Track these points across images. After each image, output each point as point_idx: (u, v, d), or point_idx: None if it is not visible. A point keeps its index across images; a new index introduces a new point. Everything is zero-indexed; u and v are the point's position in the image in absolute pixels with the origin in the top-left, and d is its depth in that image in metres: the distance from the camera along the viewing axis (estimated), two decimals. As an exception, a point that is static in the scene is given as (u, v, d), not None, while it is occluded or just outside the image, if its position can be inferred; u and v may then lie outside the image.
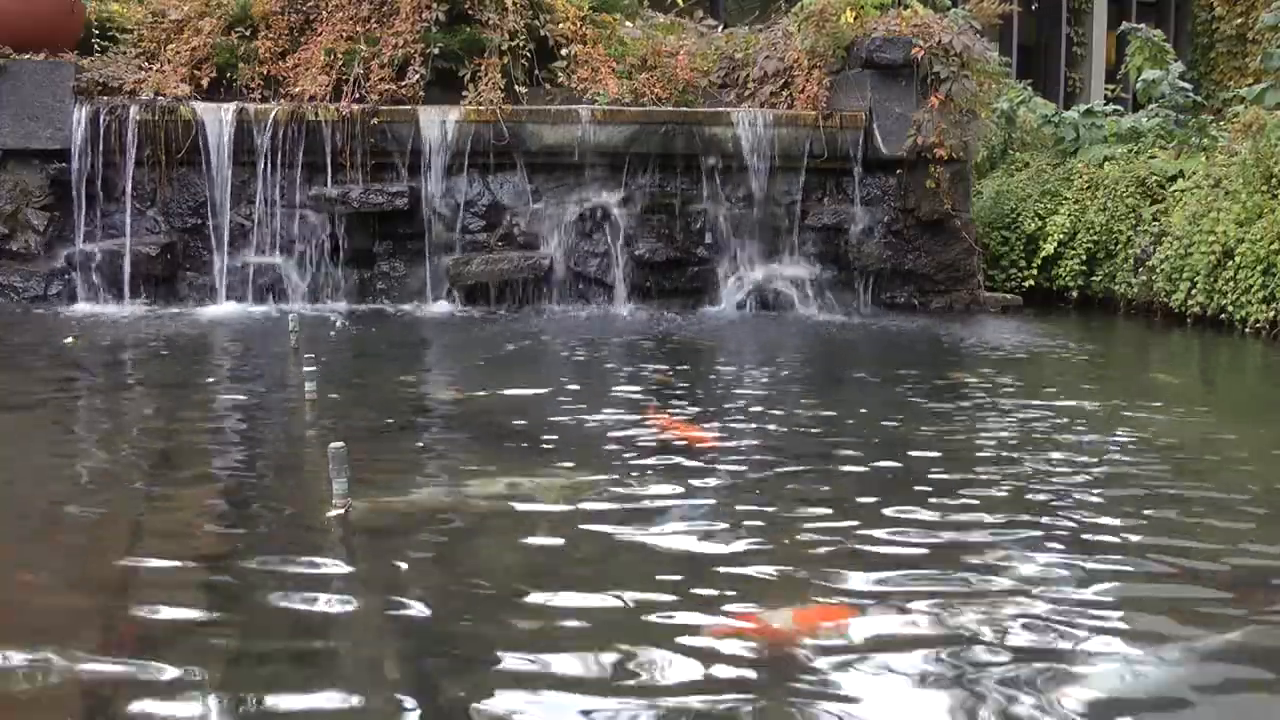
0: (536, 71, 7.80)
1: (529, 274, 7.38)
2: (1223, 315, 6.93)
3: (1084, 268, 8.26)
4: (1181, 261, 7.26)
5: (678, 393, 4.63)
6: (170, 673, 1.90)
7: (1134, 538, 2.74)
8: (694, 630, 2.11)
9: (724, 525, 2.78)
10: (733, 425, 3.97)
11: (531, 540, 2.67)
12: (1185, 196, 7.65)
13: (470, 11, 7.60)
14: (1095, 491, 3.14)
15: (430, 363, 5.87)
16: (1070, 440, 3.79)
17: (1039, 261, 8.42)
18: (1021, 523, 2.82)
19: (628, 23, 8.61)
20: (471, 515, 2.88)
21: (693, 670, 1.95)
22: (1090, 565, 2.51)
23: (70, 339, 5.76)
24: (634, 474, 3.24)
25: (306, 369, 4.06)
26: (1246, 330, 6.71)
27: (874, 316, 7.48)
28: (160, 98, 7.14)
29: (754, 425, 3.99)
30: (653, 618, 2.18)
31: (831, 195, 7.85)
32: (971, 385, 5.03)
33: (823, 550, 2.60)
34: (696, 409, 4.26)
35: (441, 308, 7.30)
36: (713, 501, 3.00)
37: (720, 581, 2.37)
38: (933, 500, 2.99)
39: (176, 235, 7.27)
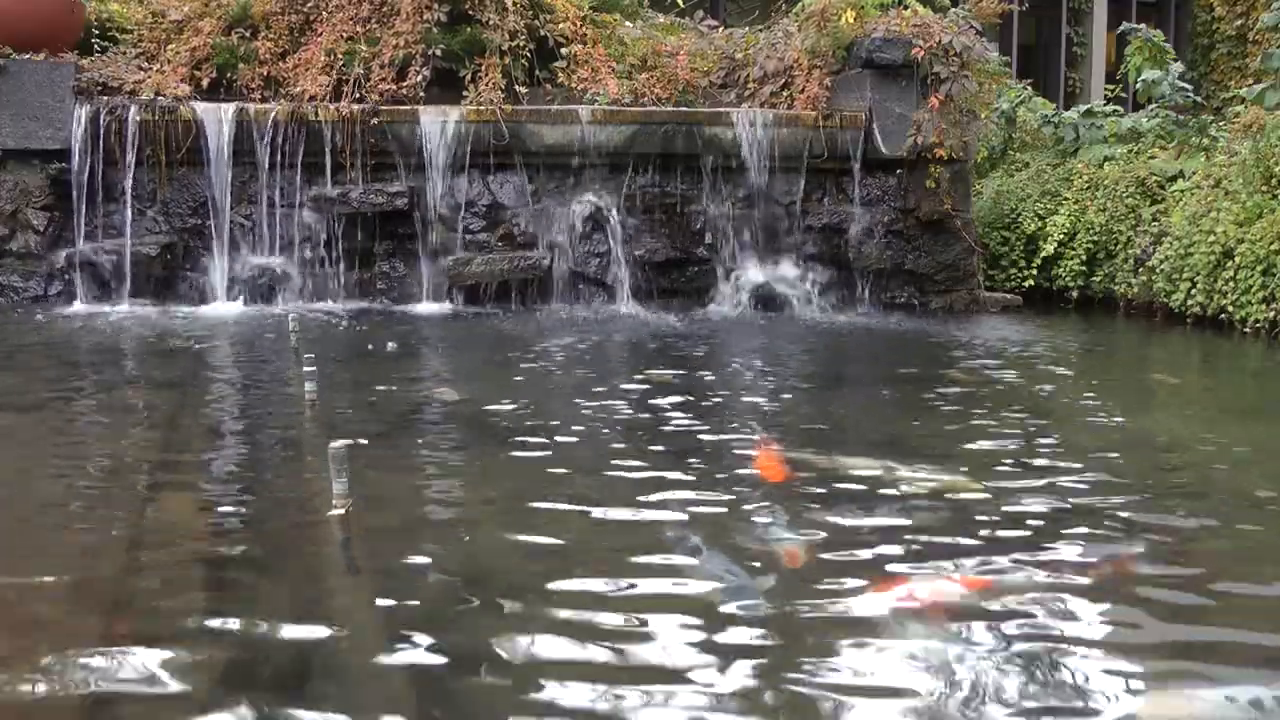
0: (537, 71, 7.80)
1: (529, 274, 7.37)
2: (1223, 315, 6.93)
3: (1084, 268, 8.26)
4: (1181, 261, 7.26)
5: (679, 393, 4.63)
6: (170, 673, 1.90)
7: (1129, 534, 2.75)
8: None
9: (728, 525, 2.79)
10: (737, 425, 3.97)
11: (538, 536, 2.66)
12: (1185, 196, 7.65)
13: (471, 12, 7.61)
14: (1092, 489, 3.14)
15: (431, 363, 5.86)
16: (1071, 439, 3.79)
17: (1039, 261, 8.42)
18: (1026, 519, 2.83)
19: (628, 23, 8.61)
20: (472, 514, 2.88)
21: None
22: (1082, 554, 2.51)
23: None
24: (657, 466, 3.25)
25: (306, 369, 4.06)
26: (1246, 330, 6.71)
27: (874, 316, 7.48)
28: (160, 98, 7.13)
29: (758, 423, 3.99)
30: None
31: (831, 195, 7.85)
32: (969, 385, 5.02)
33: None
34: (699, 410, 4.27)
35: (442, 307, 7.29)
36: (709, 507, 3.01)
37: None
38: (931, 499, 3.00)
39: (176, 235, 7.26)
